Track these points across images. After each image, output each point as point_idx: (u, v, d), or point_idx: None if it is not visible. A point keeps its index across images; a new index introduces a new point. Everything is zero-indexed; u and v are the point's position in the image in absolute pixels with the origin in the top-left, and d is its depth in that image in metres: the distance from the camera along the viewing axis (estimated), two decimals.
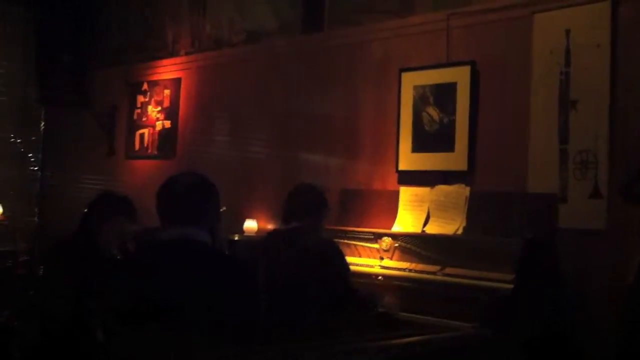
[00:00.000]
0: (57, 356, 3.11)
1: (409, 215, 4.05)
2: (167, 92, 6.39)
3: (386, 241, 3.88)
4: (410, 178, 4.50)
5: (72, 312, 3.10)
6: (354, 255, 4.00)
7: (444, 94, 4.46)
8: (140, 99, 6.64)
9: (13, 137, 7.21)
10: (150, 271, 2.30)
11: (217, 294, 2.24)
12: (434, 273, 3.62)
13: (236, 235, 5.12)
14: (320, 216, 3.35)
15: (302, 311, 2.99)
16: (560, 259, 3.56)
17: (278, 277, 2.83)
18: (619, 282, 3.52)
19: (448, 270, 3.59)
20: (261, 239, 3.63)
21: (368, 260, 3.92)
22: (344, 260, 3.37)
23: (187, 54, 6.37)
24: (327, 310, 3.37)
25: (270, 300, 2.46)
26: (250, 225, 5.24)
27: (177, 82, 6.32)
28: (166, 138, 6.38)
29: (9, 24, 7.06)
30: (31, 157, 7.27)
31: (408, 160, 4.61)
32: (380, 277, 3.78)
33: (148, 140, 6.53)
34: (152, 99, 6.52)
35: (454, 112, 4.40)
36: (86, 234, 3.42)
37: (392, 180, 4.69)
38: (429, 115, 4.52)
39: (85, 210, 3.50)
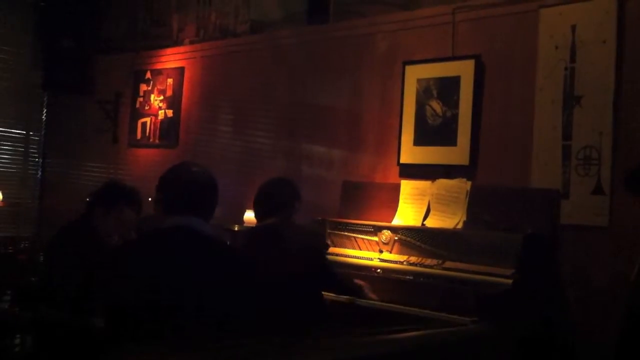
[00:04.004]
0: (57, 342, 3.13)
1: (410, 208, 4.03)
2: (170, 81, 6.38)
3: (386, 234, 3.86)
4: (412, 171, 4.48)
5: (72, 299, 3.11)
6: (353, 248, 3.98)
7: (447, 88, 4.43)
8: (143, 87, 6.62)
9: (15, 123, 7.20)
10: (150, 259, 2.31)
11: (218, 282, 2.24)
12: (433, 267, 3.61)
13: (236, 225, 5.11)
14: (293, 209, 3.42)
15: (298, 307, 3.00)
16: (562, 256, 3.55)
17: (271, 275, 2.82)
18: (621, 279, 3.51)
19: (447, 264, 3.57)
20: (241, 236, 3.65)
21: (367, 253, 3.90)
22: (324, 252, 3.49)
23: (191, 42, 6.36)
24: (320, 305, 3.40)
25: (265, 298, 2.46)
26: (251, 216, 5.22)
27: (180, 71, 6.31)
28: (168, 127, 6.37)
29: (13, 9, 7.04)
30: (33, 143, 7.26)
31: (410, 153, 4.59)
32: (379, 270, 3.77)
33: (150, 129, 6.53)
34: (155, 88, 6.50)
35: (457, 106, 4.38)
36: (88, 223, 3.42)
37: (393, 173, 4.68)
38: (432, 108, 4.51)
39: (89, 199, 3.49)
